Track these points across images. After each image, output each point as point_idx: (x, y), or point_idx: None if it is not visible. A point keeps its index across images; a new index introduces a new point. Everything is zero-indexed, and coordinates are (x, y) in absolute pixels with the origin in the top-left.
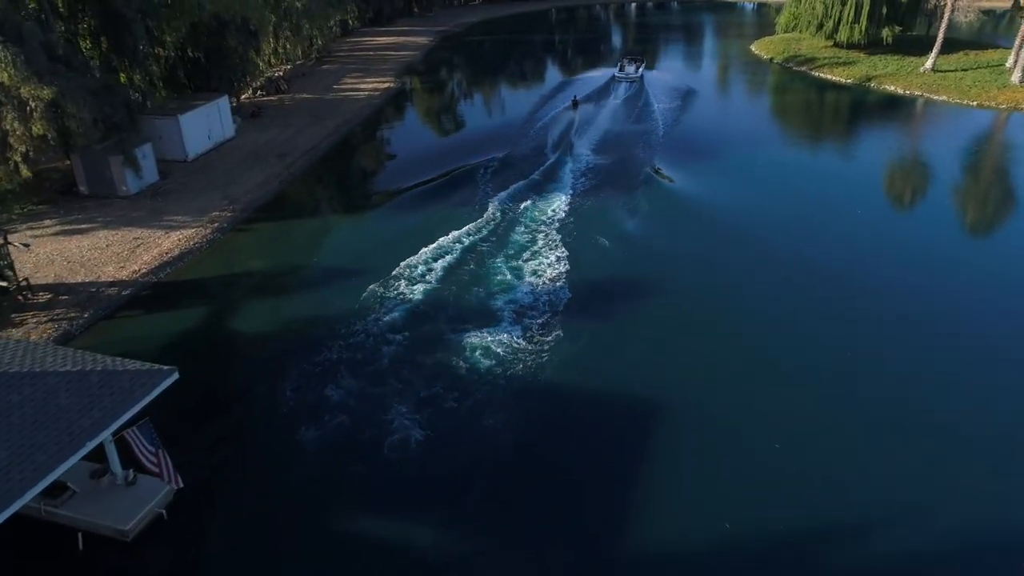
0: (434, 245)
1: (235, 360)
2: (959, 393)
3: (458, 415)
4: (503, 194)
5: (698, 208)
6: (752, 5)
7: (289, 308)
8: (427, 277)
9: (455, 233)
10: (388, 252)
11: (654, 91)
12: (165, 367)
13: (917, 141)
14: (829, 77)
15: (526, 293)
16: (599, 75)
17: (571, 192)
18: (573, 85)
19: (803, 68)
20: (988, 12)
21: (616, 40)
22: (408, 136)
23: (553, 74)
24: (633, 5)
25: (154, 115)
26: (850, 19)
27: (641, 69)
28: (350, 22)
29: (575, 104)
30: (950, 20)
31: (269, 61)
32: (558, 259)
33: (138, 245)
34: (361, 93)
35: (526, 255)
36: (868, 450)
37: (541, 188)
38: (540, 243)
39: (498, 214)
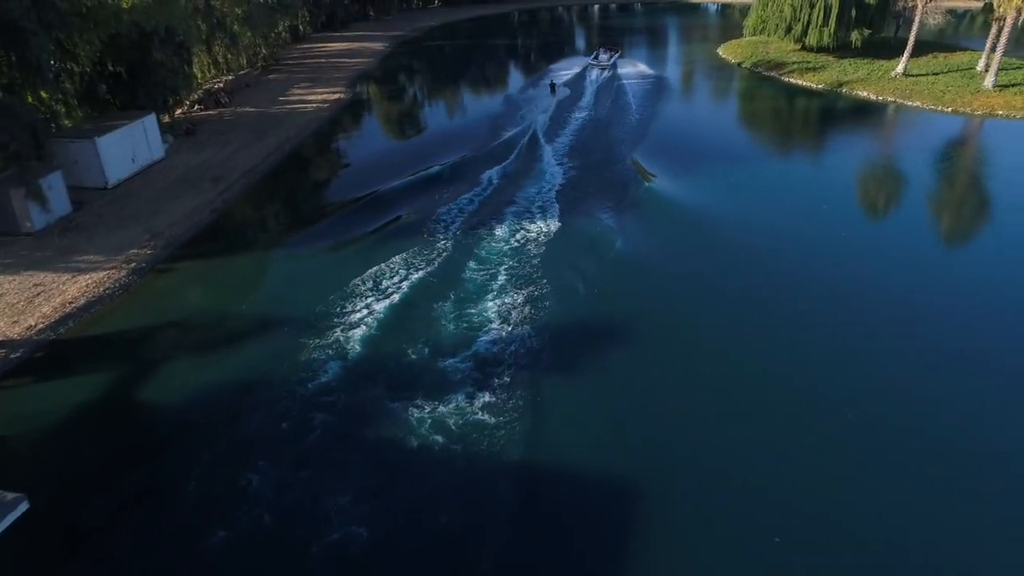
0: (380, 281)
1: (135, 442)
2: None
3: (408, 509)
4: (464, 215)
5: (681, 224)
6: (716, 6)
7: (207, 369)
8: (370, 323)
9: (404, 267)
10: (327, 292)
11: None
12: (10, 495)
13: (897, 151)
14: (800, 83)
15: (488, 342)
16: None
17: (542, 205)
18: (539, 86)
19: (773, 73)
20: (951, 11)
21: (580, 43)
22: (358, 152)
23: (517, 80)
24: (596, 7)
25: (68, 138)
26: (819, 22)
27: (614, 58)
28: (300, 28)
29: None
30: (915, 20)
31: (208, 72)
32: (527, 293)
33: (38, 293)
34: (309, 105)
35: (488, 290)
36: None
37: (504, 208)
38: (505, 273)
39: (457, 241)
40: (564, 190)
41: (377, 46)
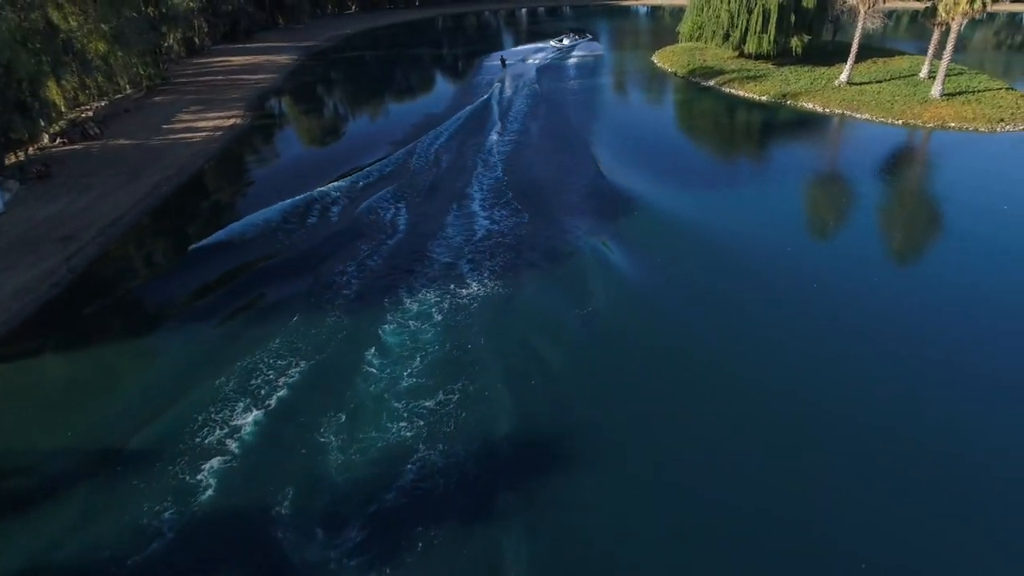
0: (250, 381)
1: None
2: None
3: None
4: (372, 278)
5: (625, 278)
6: (645, 9)
7: None
8: (229, 453)
9: (286, 356)
10: (179, 399)
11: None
12: None
13: (858, 171)
14: (743, 94)
15: (404, 490)
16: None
17: (476, 262)
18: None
19: (712, 83)
20: (887, 13)
21: (511, 51)
22: (254, 194)
23: (447, 93)
24: (524, 11)
25: None
26: (757, 28)
27: (577, 39)
28: (196, 40)
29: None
30: (857, 26)
31: (81, 97)
32: (460, 389)
33: None
34: (198, 134)
35: (406, 386)
36: None
37: (420, 265)
38: (432, 354)
39: (356, 319)
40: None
41: (285, 59)
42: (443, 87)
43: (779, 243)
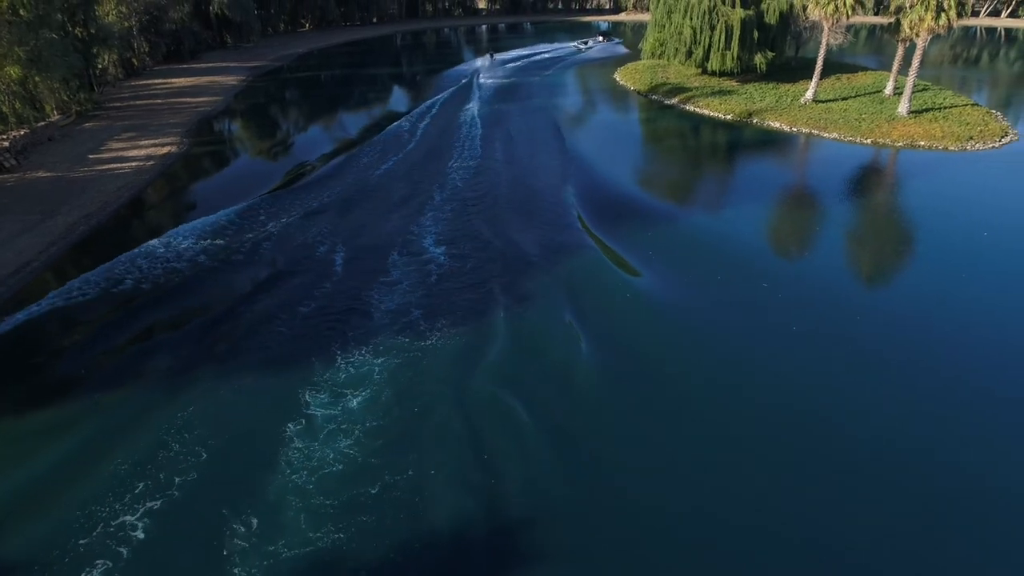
0: (156, 467)
1: None
2: None
3: None
4: (303, 328)
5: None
6: (606, 25)
7: None
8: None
9: (200, 429)
10: (68, 492)
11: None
12: None
13: (832, 193)
14: (707, 112)
15: None
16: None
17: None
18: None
19: (674, 101)
20: (848, 28)
21: (486, 78)
22: (181, 232)
23: (403, 109)
24: (484, 27)
25: None
26: (721, 45)
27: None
28: (135, 61)
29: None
30: (820, 43)
31: None
32: (417, 458)
33: None
34: (128, 164)
35: (339, 471)
36: None
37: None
38: (375, 425)
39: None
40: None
41: (231, 80)
42: (399, 104)
43: (756, 272)
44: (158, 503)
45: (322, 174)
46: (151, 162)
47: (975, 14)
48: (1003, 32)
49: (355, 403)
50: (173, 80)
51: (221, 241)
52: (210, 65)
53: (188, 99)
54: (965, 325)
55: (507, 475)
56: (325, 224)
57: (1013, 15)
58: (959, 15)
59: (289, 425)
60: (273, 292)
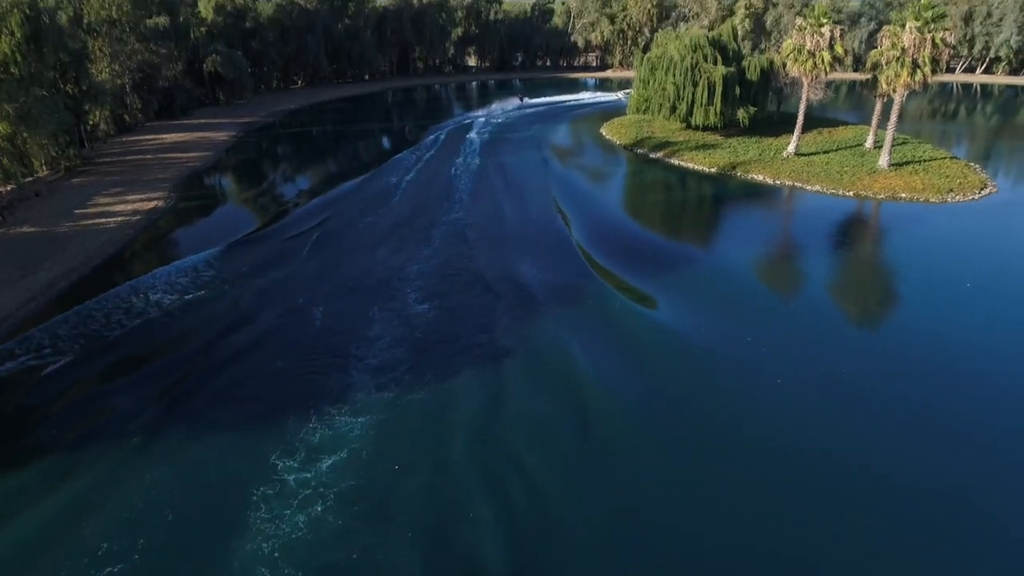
0: (105, 547)
1: None
2: None
3: None
4: (278, 383)
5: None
6: (594, 81)
7: None
8: None
9: (161, 496)
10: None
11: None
12: None
13: (818, 244)
14: (691, 165)
15: None
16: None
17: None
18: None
19: (660, 155)
20: (828, 84)
21: (475, 133)
22: (162, 285)
23: (394, 163)
24: (474, 84)
25: None
26: (703, 101)
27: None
28: (126, 117)
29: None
30: (800, 98)
31: None
32: (397, 530)
33: None
34: (113, 218)
35: (309, 538)
36: None
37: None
38: (351, 491)
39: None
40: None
41: (221, 136)
42: (389, 158)
43: (739, 329)
44: (118, 569)
45: (309, 225)
46: (137, 217)
47: (951, 70)
48: (978, 88)
49: (329, 465)
50: (164, 136)
51: (200, 292)
52: (202, 121)
53: (178, 154)
54: (962, 370)
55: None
56: (308, 274)
57: (987, 72)
58: (934, 72)
59: (260, 488)
60: (247, 346)
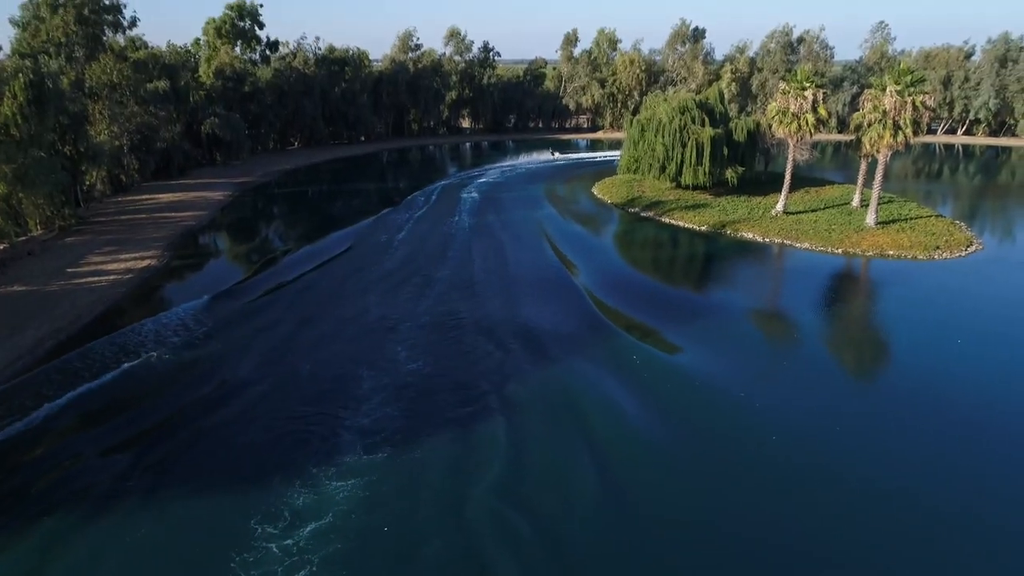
0: None
1: None
2: None
3: None
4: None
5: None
6: (585, 142)
7: None
8: None
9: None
10: None
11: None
12: None
13: (808, 302)
14: (682, 224)
15: None
16: None
17: None
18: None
19: (651, 213)
20: (814, 145)
21: (467, 192)
22: (149, 344)
23: (386, 221)
24: (468, 144)
25: None
26: (692, 161)
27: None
28: (123, 177)
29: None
30: (787, 158)
31: None
32: None
33: None
34: (106, 277)
35: None
36: None
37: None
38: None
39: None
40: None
41: (217, 195)
42: (381, 216)
43: (731, 384)
44: None
45: (301, 284)
46: (129, 275)
47: (932, 132)
48: (960, 148)
49: (312, 531)
50: (160, 195)
51: (187, 348)
52: (198, 181)
53: (173, 213)
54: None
55: None
56: (300, 333)
57: (968, 133)
58: (915, 133)
59: (243, 555)
60: (230, 405)
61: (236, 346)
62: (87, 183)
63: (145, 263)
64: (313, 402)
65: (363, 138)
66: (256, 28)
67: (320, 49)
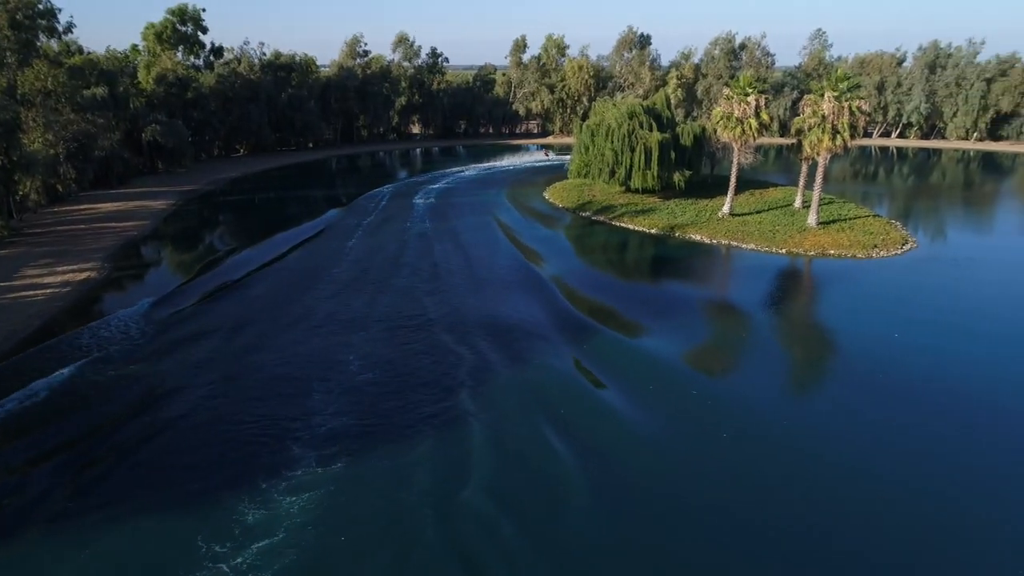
0: None
1: None
2: None
3: None
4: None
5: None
6: (536, 147)
7: None
8: None
9: None
10: None
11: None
12: None
13: (753, 300)
14: (632, 227)
15: None
16: None
17: None
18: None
19: (602, 217)
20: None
21: (416, 195)
22: (91, 360)
23: (337, 228)
24: (419, 151)
25: None
26: (641, 165)
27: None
28: (59, 187)
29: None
30: (732, 162)
31: None
32: None
33: None
34: (43, 291)
35: None
36: None
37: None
38: None
39: None
40: None
41: (160, 204)
42: (331, 222)
43: (686, 380)
44: None
45: (248, 292)
46: (67, 288)
47: (868, 135)
48: (895, 151)
49: (262, 548)
50: (100, 205)
51: (129, 364)
52: (140, 190)
53: (114, 224)
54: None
55: None
56: (241, 343)
57: (901, 136)
58: (852, 136)
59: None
60: (172, 416)
61: (177, 355)
62: (19, 193)
63: (85, 275)
64: (259, 410)
65: (311, 145)
66: (199, 33)
67: (265, 54)
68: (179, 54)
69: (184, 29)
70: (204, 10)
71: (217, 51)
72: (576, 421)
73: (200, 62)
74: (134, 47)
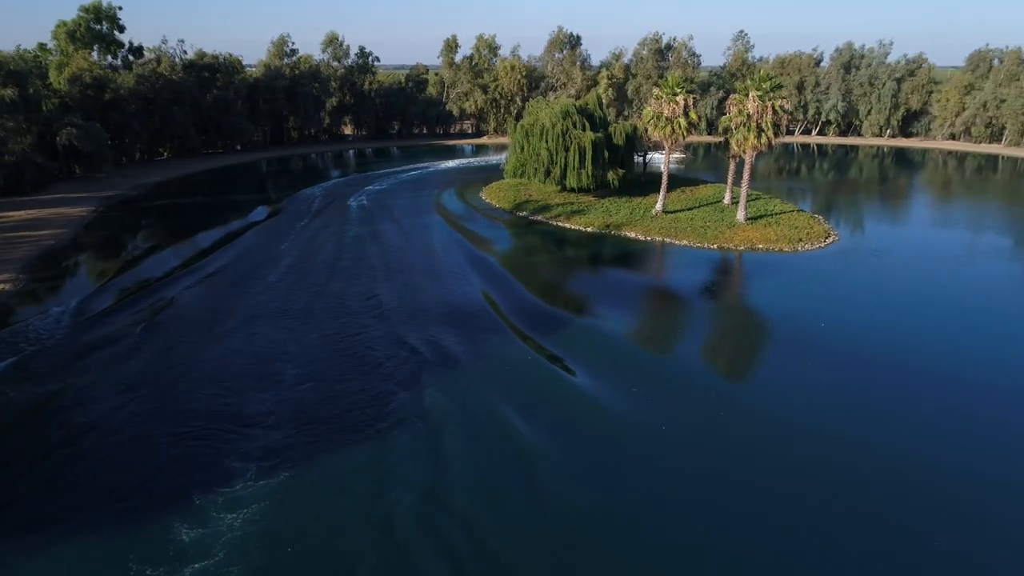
0: None
1: None
2: None
3: None
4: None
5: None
6: (470, 148)
7: None
8: None
9: None
10: None
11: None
12: None
13: (693, 297)
14: (569, 226)
15: None
16: None
17: None
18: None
19: (539, 217)
20: (687, 146)
21: (355, 199)
22: (7, 388)
23: (268, 231)
24: (352, 152)
25: None
26: (576, 165)
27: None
28: None
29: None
30: (663, 161)
31: None
32: None
33: None
34: None
35: None
36: None
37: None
38: None
39: None
40: None
41: (79, 211)
42: (261, 226)
43: (628, 375)
44: None
45: (184, 300)
46: None
47: (790, 133)
48: (815, 148)
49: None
50: (12, 213)
51: (47, 382)
52: (56, 196)
53: (28, 232)
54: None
55: None
56: (167, 349)
57: (821, 133)
58: (776, 134)
59: None
60: (95, 430)
61: (98, 367)
62: None
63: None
64: (193, 421)
65: (239, 147)
66: (116, 32)
67: (187, 53)
68: (95, 54)
69: (99, 27)
70: (120, 8)
71: (136, 51)
72: (537, 402)
73: (118, 62)
74: (41, 46)
